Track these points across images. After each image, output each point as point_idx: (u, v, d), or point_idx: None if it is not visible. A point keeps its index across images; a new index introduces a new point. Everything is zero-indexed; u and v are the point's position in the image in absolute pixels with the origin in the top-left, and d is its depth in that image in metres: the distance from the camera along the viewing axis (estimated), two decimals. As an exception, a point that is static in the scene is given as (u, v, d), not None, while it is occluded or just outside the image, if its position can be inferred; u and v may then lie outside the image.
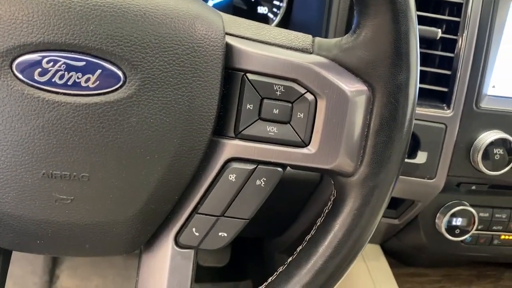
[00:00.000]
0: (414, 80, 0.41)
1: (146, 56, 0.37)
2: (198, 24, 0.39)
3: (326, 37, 0.76)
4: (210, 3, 0.95)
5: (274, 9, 0.97)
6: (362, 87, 0.41)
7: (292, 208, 0.93)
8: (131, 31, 0.36)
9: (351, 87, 0.41)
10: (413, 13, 0.39)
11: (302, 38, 0.43)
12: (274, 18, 0.97)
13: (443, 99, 0.75)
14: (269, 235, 1.13)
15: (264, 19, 0.97)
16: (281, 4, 0.97)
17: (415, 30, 0.40)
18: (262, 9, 0.97)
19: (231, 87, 0.41)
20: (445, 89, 0.74)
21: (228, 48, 0.40)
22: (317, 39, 0.44)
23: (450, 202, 0.85)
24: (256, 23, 0.45)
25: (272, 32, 0.44)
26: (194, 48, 0.38)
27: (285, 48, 0.42)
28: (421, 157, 0.74)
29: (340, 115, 0.41)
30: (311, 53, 0.42)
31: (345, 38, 0.42)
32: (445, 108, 0.74)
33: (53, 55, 0.35)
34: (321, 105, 0.41)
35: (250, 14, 0.97)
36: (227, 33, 0.41)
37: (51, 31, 0.35)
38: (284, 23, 0.97)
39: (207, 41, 0.39)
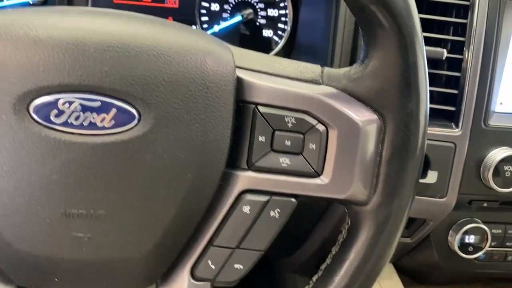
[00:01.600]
0: (424, 108, 0.41)
1: (159, 94, 0.37)
2: (209, 60, 0.39)
3: (332, 60, 0.76)
4: (217, 28, 0.97)
5: (279, 32, 0.98)
6: (373, 116, 0.41)
7: (303, 228, 0.93)
8: (144, 70, 0.37)
9: (362, 116, 0.41)
10: (421, 43, 0.40)
11: (311, 69, 0.44)
12: (279, 41, 0.98)
13: (451, 118, 0.75)
14: (280, 254, 1.13)
15: (269, 42, 0.98)
16: (285, 27, 0.98)
17: (424, 60, 0.40)
18: (267, 32, 0.98)
19: (242, 120, 0.42)
20: (452, 108, 0.74)
21: (239, 82, 0.41)
22: (326, 69, 0.44)
23: (462, 220, 0.85)
24: (265, 56, 0.45)
25: (281, 63, 0.44)
26: (206, 84, 0.39)
27: (295, 79, 0.43)
28: (431, 177, 0.74)
29: (352, 145, 0.41)
30: (320, 83, 0.43)
31: (354, 68, 0.42)
32: (454, 127, 0.74)
33: (69, 96, 0.36)
34: (333, 135, 0.41)
35: (256, 37, 0.98)
36: (237, 67, 0.41)
37: (67, 73, 0.35)
38: (289, 46, 0.98)
39: (219, 76, 0.39)
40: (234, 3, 0.97)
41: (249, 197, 0.42)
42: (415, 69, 0.40)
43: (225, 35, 0.97)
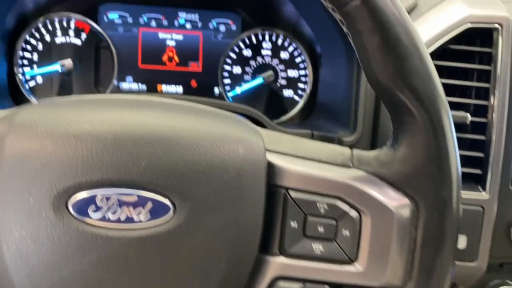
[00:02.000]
0: (457, 192, 0.41)
1: (194, 185, 0.38)
2: (241, 147, 0.40)
3: (355, 123, 0.77)
4: (239, 90, 0.99)
5: (299, 92, 1.00)
6: (405, 201, 0.41)
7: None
8: (180, 163, 0.38)
9: (395, 202, 0.41)
10: (451, 128, 0.40)
11: (340, 152, 0.44)
12: (299, 101, 1.00)
13: (478, 180, 0.74)
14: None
15: (289, 102, 1.00)
16: (305, 87, 1.00)
17: (454, 144, 0.40)
18: (287, 92, 1.00)
19: (274, 204, 0.42)
20: (479, 171, 0.73)
21: (270, 166, 0.41)
22: (356, 152, 0.44)
23: (494, 283, 0.82)
24: (295, 138, 0.46)
25: (311, 146, 0.45)
26: (238, 173, 0.39)
27: (325, 163, 0.43)
28: (461, 242, 0.73)
29: (386, 231, 0.41)
30: (351, 167, 0.43)
31: (384, 152, 0.42)
32: (481, 190, 0.73)
33: (106, 191, 0.37)
34: (366, 222, 0.41)
35: (276, 97, 1.00)
36: (267, 150, 0.42)
37: (105, 169, 0.36)
38: (310, 106, 0.99)
39: (251, 162, 0.40)
40: (255, 65, 0.99)
41: (282, 284, 0.42)
42: (446, 153, 0.40)
43: (246, 96, 0.99)
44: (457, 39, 0.73)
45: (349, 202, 0.41)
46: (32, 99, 0.93)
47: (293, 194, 0.41)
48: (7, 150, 0.37)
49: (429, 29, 0.73)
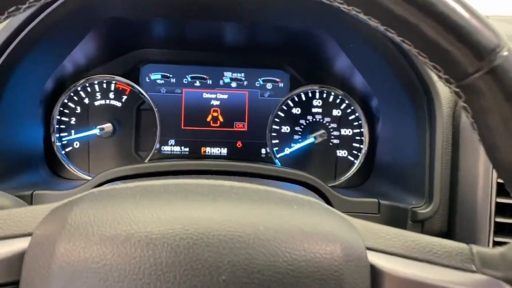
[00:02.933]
0: None
1: None
2: (339, 248, 0.32)
3: (431, 193, 0.67)
4: (288, 151, 0.91)
5: (354, 152, 0.92)
6: None
7: None
8: (268, 273, 0.30)
9: None
10: None
11: (458, 250, 0.35)
12: (355, 161, 0.91)
13: None
14: None
15: (344, 163, 0.92)
16: (361, 147, 0.91)
17: None
18: (341, 153, 0.92)
19: None
20: None
21: (373, 270, 0.33)
22: (475, 249, 0.35)
23: None
24: (394, 230, 0.37)
25: (418, 242, 0.36)
26: (339, 283, 0.31)
27: (441, 265, 0.34)
28: None
29: None
30: (474, 271, 0.34)
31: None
32: None
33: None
34: None
35: (329, 158, 0.92)
36: (367, 248, 0.33)
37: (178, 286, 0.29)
38: (367, 167, 0.90)
39: (352, 269, 0.32)
40: (305, 124, 0.92)
41: None
42: None
43: (296, 158, 0.92)
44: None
45: None
46: (70, 166, 0.87)
47: None
48: (59, 261, 0.29)
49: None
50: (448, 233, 0.69)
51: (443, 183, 0.67)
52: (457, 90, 0.32)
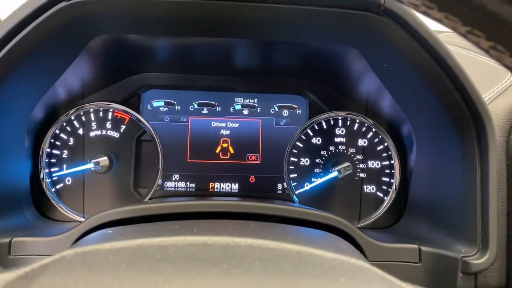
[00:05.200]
0: None
1: None
2: None
3: (485, 238, 0.55)
4: (308, 187, 0.80)
5: (384, 187, 0.80)
6: None
7: None
8: None
9: None
10: None
11: None
12: (385, 198, 0.80)
13: None
14: None
15: (372, 199, 0.80)
16: (392, 181, 0.80)
17: None
18: (368, 188, 0.81)
19: None
20: None
21: None
22: None
23: None
24: None
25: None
26: None
27: None
28: None
29: None
30: None
31: None
32: None
33: None
34: None
35: (354, 193, 0.80)
36: None
37: None
38: (398, 205, 0.79)
39: None
40: (326, 156, 0.81)
41: None
42: None
43: (316, 195, 0.80)
44: None
45: None
46: (60, 205, 0.77)
47: None
48: None
49: None
50: (507, 288, 0.57)
51: (500, 229, 0.55)
52: None
